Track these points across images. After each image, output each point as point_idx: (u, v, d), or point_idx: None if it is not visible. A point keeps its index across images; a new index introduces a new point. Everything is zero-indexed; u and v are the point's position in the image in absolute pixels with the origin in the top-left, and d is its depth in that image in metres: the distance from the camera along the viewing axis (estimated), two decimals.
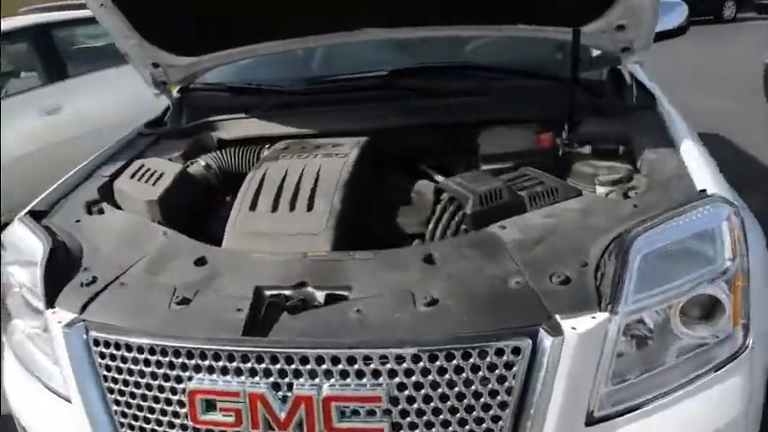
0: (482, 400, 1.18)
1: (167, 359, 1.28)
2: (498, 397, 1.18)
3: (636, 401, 1.25)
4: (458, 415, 1.19)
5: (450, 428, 1.20)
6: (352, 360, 1.19)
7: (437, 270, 1.34)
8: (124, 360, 1.32)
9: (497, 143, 1.83)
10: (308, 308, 1.31)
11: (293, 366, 1.21)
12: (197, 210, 1.87)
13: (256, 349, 1.23)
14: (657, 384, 1.26)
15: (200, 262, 1.47)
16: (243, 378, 1.24)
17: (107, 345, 1.34)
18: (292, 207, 1.63)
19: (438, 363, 1.17)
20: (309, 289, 1.35)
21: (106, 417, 1.37)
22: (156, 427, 1.33)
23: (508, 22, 1.94)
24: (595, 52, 2.09)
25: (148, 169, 1.88)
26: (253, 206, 1.67)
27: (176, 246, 1.55)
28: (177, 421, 1.31)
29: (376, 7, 1.91)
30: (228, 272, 1.43)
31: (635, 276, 1.23)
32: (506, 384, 1.18)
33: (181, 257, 1.50)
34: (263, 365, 1.23)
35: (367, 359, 1.19)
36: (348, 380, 1.20)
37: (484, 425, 1.20)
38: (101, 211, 1.76)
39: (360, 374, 1.19)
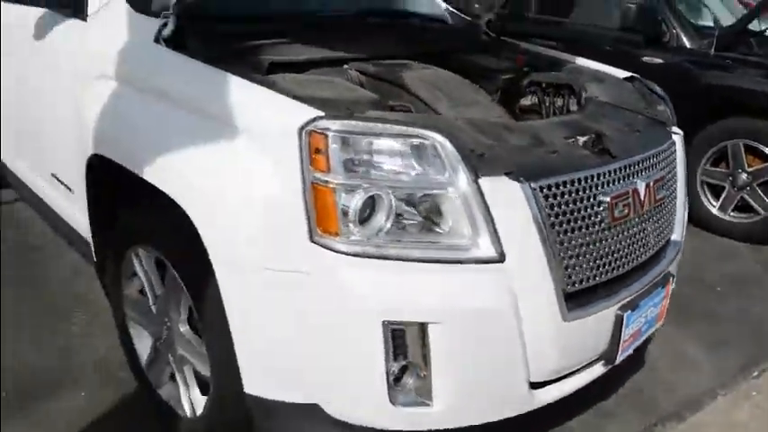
0: None
1: (591, 183, 1.76)
2: None
3: None
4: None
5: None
6: (656, 156, 2.02)
7: (608, 118, 2.19)
8: (559, 196, 1.70)
9: (489, 63, 2.65)
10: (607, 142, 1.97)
11: (637, 168, 1.93)
12: None
13: (625, 162, 1.88)
14: None
15: (508, 129, 1.85)
16: (627, 182, 1.87)
17: (547, 189, 1.67)
18: (463, 103, 2.16)
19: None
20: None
21: (552, 264, 1.67)
22: (587, 240, 1.76)
23: None
24: None
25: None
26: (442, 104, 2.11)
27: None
28: (602, 225, 1.79)
29: None
30: (538, 133, 1.87)
31: None
32: None
33: (487, 133, 1.78)
34: (629, 171, 1.89)
35: (657, 155, 2.04)
36: (658, 167, 2.03)
37: None
38: None
39: (659, 164, 2.04)
